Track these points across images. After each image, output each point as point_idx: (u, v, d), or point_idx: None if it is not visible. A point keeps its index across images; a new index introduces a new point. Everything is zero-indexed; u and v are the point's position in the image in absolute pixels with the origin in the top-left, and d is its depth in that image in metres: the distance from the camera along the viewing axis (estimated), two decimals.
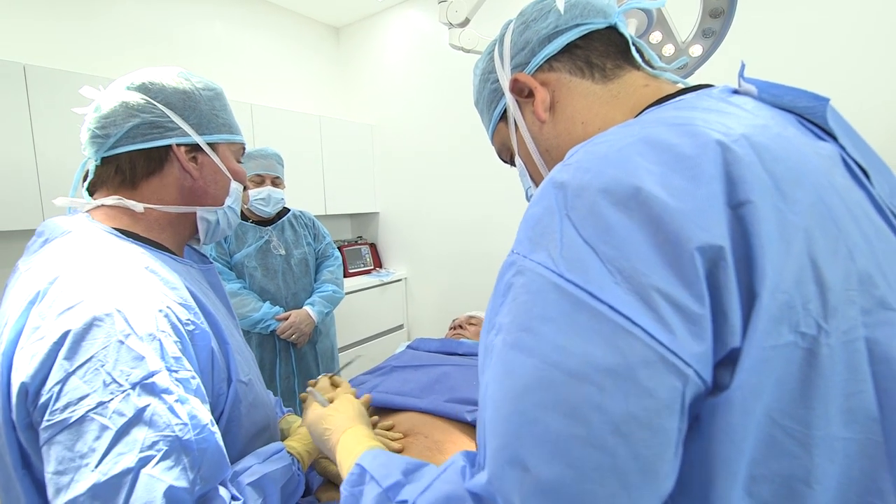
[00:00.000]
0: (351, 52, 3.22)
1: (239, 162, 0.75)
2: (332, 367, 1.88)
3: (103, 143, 0.62)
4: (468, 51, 1.11)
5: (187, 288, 0.60)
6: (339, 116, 3.15)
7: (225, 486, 0.51)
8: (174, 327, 0.52)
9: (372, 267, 3.11)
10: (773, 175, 0.30)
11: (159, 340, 0.49)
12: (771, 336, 0.27)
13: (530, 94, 0.50)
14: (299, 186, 2.52)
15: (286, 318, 1.65)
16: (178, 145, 0.64)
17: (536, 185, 0.55)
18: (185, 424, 0.46)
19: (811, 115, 0.36)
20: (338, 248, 2.92)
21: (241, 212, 1.70)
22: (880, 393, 0.28)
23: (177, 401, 0.47)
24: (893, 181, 0.38)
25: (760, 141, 0.31)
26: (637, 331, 0.27)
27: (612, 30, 0.49)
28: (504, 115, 0.54)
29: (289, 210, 1.82)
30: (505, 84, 0.52)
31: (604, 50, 0.48)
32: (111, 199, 0.62)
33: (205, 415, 0.50)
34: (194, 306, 0.58)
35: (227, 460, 0.51)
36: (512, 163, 0.59)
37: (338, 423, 0.63)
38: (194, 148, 0.67)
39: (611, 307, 0.28)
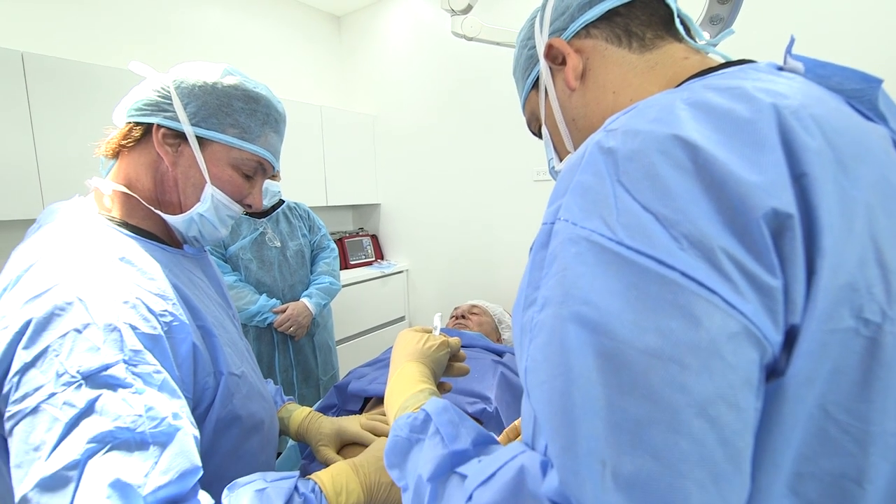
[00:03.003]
0: (352, 41, 3.17)
1: (248, 177, 0.68)
2: (330, 359, 1.88)
3: (122, 116, 0.65)
4: (471, 39, 1.08)
5: (169, 279, 0.58)
6: (340, 106, 3.12)
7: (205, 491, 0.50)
8: (144, 318, 0.50)
9: (373, 258, 3.10)
10: (835, 148, 0.27)
11: (119, 331, 0.47)
12: (831, 319, 0.25)
13: (563, 62, 0.48)
14: (300, 177, 2.50)
15: (283, 311, 1.64)
16: (160, 126, 0.62)
17: (560, 156, 0.54)
18: (139, 416, 0.45)
19: (861, 98, 0.34)
20: (339, 239, 2.94)
21: None
22: None
23: (133, 393, 0.46)
24: None
25: (819, 112, 0.28)
26: (716, 299, 0.24)
27: (658, 1, 0.46)
28: (537, 83, 0.53)
29: (283, 202, 1.80)
30: (540, 50, 0.50)
31: (646, 19, 0.46)
32: (94, 182, 0.63)
33: (165, 408, 0.47)
34: (173, 297, 0.56)
35: (196, 456, 0.48)
36: (539, 134, 0.57)
37: (400, 355, 0.62)
38: (180, 135, 0.63)
39: (684, 274, 0.25)
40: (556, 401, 0.27)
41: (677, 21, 0.46)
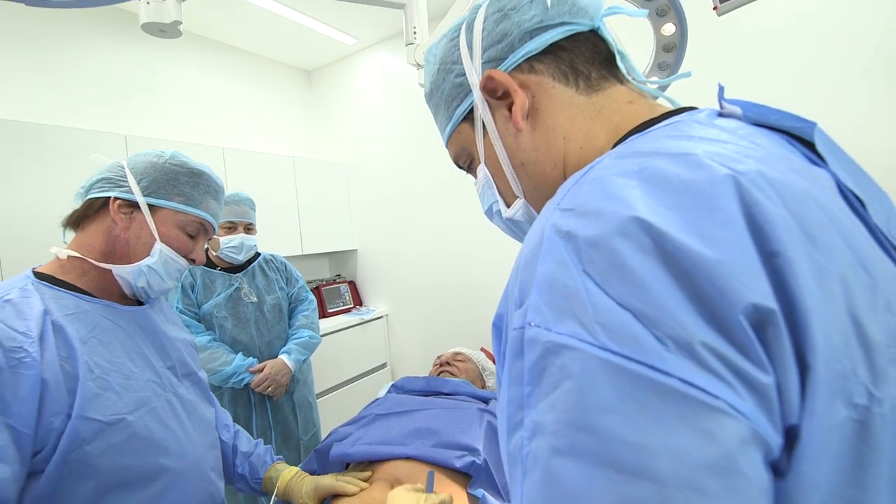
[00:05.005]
0: (323, 93, 3.26)
1: (191, 236, 0.81)
2: (311, 416, 1.79)
3: (80, 194, 0.77)
4: None
5: (58, 322, 0.64)
6: (313, 156, 3.16)
7: None
8: None
9: (352, 305, 3.05)
10: (800, 218, 0.25)
11: None
12: (829, 415, 0.23)
13: (504, 96, 0.43)
14: (274, 227, 2.48)
15: (261, 370, 1.57)
16: (116, 198, 0.74)
17: (505, 200, 0.48)
18: None
19: (800, 133, 0.33)
20: (316, 287, 2.89)
21: (210, 259, 1.65)
22: None
23: None
24: (889, 205, 0.35)
25: (778, 178, 0.27)
26: (722, 404, 0.22)
27: (596, 35, 0.43)
28: (468, 116, 0.47)
29: (259, 255, 1.76)
30: (474, 80, 0.45)
31: (589, 56, 0.42)
32: (53, 250, 0.74)
33: None
34: (35, 337, 0.60)
35: None
36: (469, 170, 0.51)
37: None
38: (133, 205, 0.76)
39: (682, 380, 0.22)
40: None
41: (618, 59, 0.44)
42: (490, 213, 0.51)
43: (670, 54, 1.07)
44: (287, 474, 0.96)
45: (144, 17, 1.01)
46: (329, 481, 0.94)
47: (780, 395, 0.23)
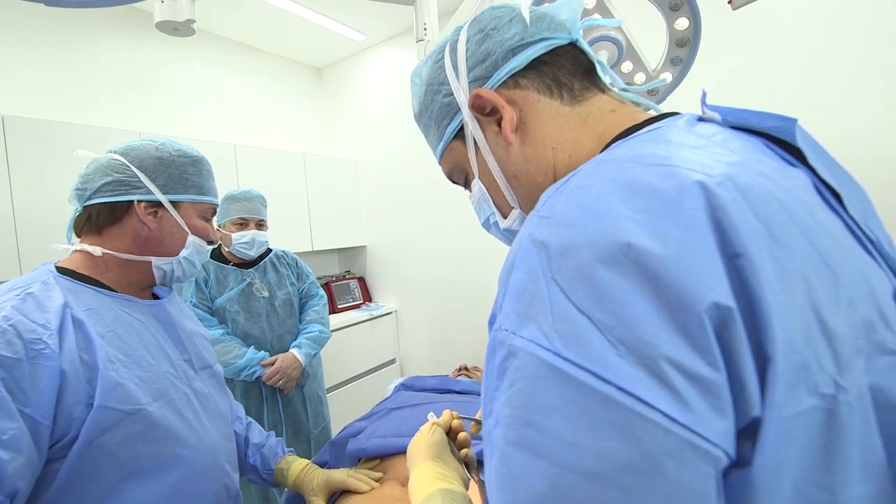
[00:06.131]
0: (333, 90, 3.28)
1: (206, 220, 0.85)
2: (322, 410, 1.81)
3: (82, 196, 0.75)
4: None
5: (77, 315, 0.65)
6: (323, 153, 3.18)
7: None
8: (8, 343, 0.57)
9: (361, 301, 3.07)
10: (765, 220, 0.27)
11: None
12: (791, 403, 0.24)
13: (492, 112, 0.45)
14: (285, 224, 2.50)
15: (272, 364, 1.59)
16: (140, 201, 0.76)
17: (502, 212, 0.50)
18: None
19: (780, 135, 0.35)
20: (326, 283, 2.91)
21: (222, 255, 1.68)
22: (887, 440, 0.26)
23: None
24: (867, 201, 0.37)
25: (746, 182, 0.28)
26: (654, 415, 0.24)
27: (576, 48, 0.46)
28: (458, 133, 0.49)
29: (271, 250, 1.78)
30: (462, 99, 0.46)
31: (571, 68, 0.45)
32: (77, 245, 0.75)
33: None
34: (55, 329, 0.61)
35: None
36: (465, 185, 0.53)
37: (412, 455, 0.63)
38: (156, 204, 0.77)
39: (619, 388, 0.24)
40: None
41: (598, 69, 0.46)
42: (487, 224, 0.53)
43: (684, 49, 1.06)
44: (297, 466, 0.97)
45: (159, 15, 1.02)
46: (340, 476, 0.95)
47: (740, 389, 0.25)
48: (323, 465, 1.18)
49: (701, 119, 0.38)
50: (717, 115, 0.37)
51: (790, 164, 0.34)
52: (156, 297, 0.84)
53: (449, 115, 0.49)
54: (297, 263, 1.84)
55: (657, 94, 1.13)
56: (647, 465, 0.23)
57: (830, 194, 0.33)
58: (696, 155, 0.31)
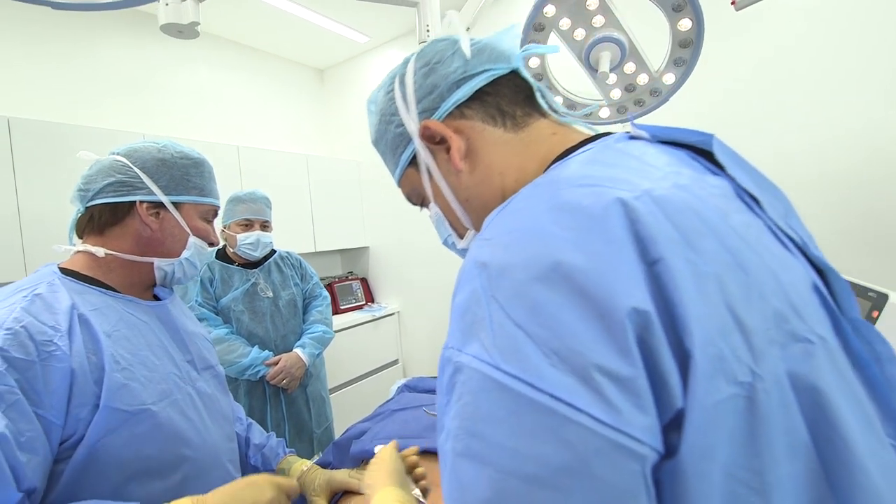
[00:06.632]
0: (335, 92, 3.29)
1: (208, 221, 0.86)
2: (324, 410, 1.82)
3: (84, 196, 0.76)
4: None
5: (84, 316, 0.66)
6: (325, 154, 3.19)
7: None
8: (21, 345, 0.58)
9: (364, 302, 3.07)
10: (679, 227, 0.30)
11: None
12: (711, 393, 0.26)
13: (442, 141, 0.48)
14: (288, 225, 2.51)
15: (276, 363, 1.60)
16: (142, 202, 0.76)
17: (458, 233, 0.53)
18: None
19: (702, 146, 0.38)
20: (329, 284, 2.92)
21: (227, 255, 1.68)
22: (808, 422, 0.28)
23: None
24: (786, 201, 0.40)
25: (662, 194, 0.31)
26: (582, 418, 0.26)
27: (516, 75, 0.48)
28: (413, 160, 0.51)
29: (275, 251, 1.79)
30: (413, 129, 0.49)
31: (512, 97, 0.48)
32: (79, 246, 0.76)
33: None
34: (64, 330, 0.62)
35: (9, 478, 0.52)
36: (422, 206, 0.56)
37: (373, 480, 0.65)
38: (158, 205, 0.78)
39: (552, 396, 0.26)
40: None
41: (538, 95, 0.49)
42: (447, 243, 0.56)
43: (686, 50, 1.06)
44: (298, 466, 0.97)
45: (163, 18, 1.03)
46: (342, 477, 0.95)
47: (661, 385, 0.27)
48: (326, 466, 1.19)
49: (632, 137, 0.42)
50: (644, 133, 0.41)
51: (713, 173, 0.37)
52: (157, 297, 0.85)
53: (402, 144, 0.51)
54: (301, 264, 1.85)
55: (659, 94, 1.13)
56: (579, 465, 0.25)
57: (751, 199, 0.36)
58: (618, 173, 0.34)
